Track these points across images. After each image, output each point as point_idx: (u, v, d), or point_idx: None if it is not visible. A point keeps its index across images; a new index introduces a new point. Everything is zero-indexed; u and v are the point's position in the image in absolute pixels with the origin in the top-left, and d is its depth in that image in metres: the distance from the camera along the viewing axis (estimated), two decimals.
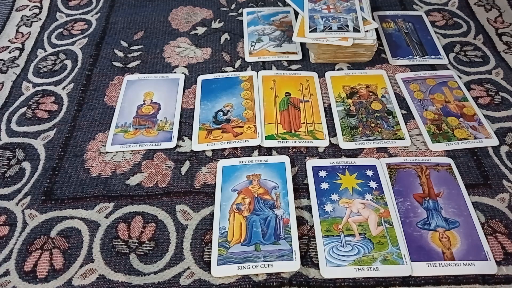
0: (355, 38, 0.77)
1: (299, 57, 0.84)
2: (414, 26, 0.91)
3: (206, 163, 0.67)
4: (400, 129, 0.71)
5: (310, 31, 0.78)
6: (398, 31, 0.90)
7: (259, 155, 0.68)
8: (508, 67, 0.82)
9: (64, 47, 0.87)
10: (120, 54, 0.85)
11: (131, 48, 0.87)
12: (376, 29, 0.80)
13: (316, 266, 0.55)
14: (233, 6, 0.96)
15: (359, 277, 0.54)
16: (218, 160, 0.67)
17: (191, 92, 0.78)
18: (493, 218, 0.60)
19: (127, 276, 0.55)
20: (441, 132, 0.70)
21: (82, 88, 0.78)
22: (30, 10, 0.96)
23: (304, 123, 0.72)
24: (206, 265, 0.56)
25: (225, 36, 0.89)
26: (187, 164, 0.67)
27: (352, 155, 0.68)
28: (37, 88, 0.79)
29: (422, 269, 0.55)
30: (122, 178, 0.65)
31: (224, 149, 0.69)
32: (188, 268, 0.56)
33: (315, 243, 0.57)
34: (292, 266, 0.55)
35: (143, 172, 0.66)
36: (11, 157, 0.68)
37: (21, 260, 0.57)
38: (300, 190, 0.63)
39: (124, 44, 0.87)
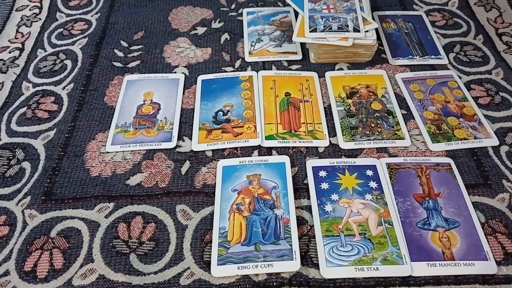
0: (355, 38, 0.77)
1: (299, 57, 0.84)
2: (414, 26, 0.91)
3: (206, 163, 0.67)
4: (400, 129, 0.71)
5: (310, 31, 0.78)
6: (398, 31, 0.90)
7: (259, 155, 0.68)
8: (508, 67, 0.82)
9: (64, 47, 0.87)
10: (120, 54, 0.85)
11: (131, 48, 0.87)
12: (376, 29, 0.80)
13: (316, 266, 0.55)
14: (233, 6, 0.96)
15: (359, 277, 0.54)
16: (218, 160, 0.67)
17: (191, 92, 0.78)
18: (493, 218, 0.60)
19: (127, 276, 0.55)
20: (441, 132, 0.70)
21: (82, 88, 0.78)
22: (30, 10, 0.96)
23: (304, 123, 0.72)
24: (206, 265, 0.56)
25: (225, 36, 0.89)
26: (187, 164, 0.67)
27: (352, 155, 0.68)
28: (37, 88, 0.79)
29: (422, 269, 0.55)
30: (122, 178, 0.65)
31: (224, 149, 0.69)
32: (188, 268, 0.56)
33: (315, 243, 0.57)
34: (292, 266, 0.55)
35: (143, 172, 0.66)
36: (11, 157, 0.68)
37: (21, 260, 0.57)
38: (300, 190, 0.63)
39: (124, 44, 0.88)
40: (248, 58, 0.84)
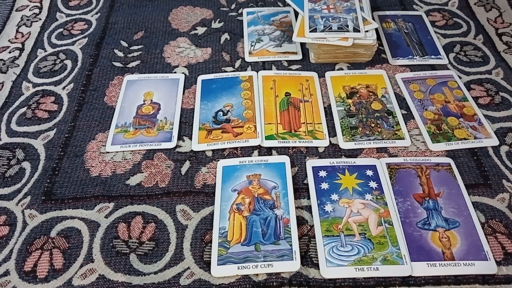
0: (355, 38, 0.77)
1: (299, 57, 0.84)
2: (414, 26, 0.91)
3: (206, 163, 0.67)
4: (400, 129, 0.71)
5: (310, 31, 0.78)
6: (398, 31, 0.90)
7: (259, 155, 0.68)
8: (508, 67, 0.82)
9: (64, 47, 0.87)
10: (120, 54, 0.85)
11: (131, 48, 0.87)
12: (376, 29, 0.80)
13: (316, 266, 0.55)
14: (233, 6, 0.96)
15: (359, 277, 0.54)
16: (218, 160, 0.67)
17: (191, 92, 0.78)
18: (493, 218, 0.60)
19: (127, 276, 0.55)
20: (441, 132, 0.70)
21: (82, 88, 0.78)
22: (30, 10, 0.96)
23: (304, 123, 0.72)
24: (206, 265, 0.56)
25: (225, 36, 0.89)
26: (187, 164, 0.67)
27: (352, 155, 0.68)
28: (37, 88, 0.79)
29: (422, 269, 0.55)
30: (122, 178, 0.65)
31: (224, 149, 0.69)
32: (188, 268, 0.56)
33: (315, 243, 0.57)
34: (292, 266, 0.55)
35: (143, 172, 0.66)
36: (11, 157, 0.68)
37: (21, 260, 0.57)
38: (300, 190, 0.63)
39: (124, 44, 0.87)
40: (248, 58, 0.84)
